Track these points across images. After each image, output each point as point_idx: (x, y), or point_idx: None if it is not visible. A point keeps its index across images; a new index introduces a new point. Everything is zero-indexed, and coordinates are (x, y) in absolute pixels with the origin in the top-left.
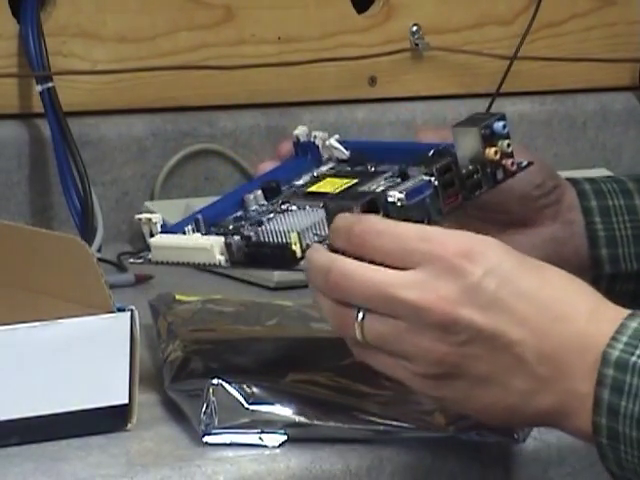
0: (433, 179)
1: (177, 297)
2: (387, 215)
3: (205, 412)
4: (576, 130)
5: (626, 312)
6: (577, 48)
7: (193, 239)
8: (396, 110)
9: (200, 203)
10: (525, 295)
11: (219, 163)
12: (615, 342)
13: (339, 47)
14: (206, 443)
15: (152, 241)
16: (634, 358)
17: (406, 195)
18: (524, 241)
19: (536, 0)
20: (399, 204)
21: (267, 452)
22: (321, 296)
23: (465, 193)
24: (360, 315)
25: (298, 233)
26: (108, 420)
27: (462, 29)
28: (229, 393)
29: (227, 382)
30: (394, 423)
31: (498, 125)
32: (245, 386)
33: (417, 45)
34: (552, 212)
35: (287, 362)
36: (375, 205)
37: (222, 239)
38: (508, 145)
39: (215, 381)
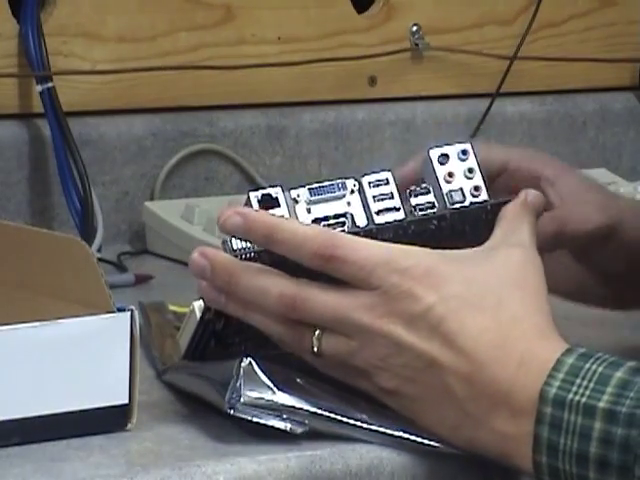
0: (354, 184)
1: (171, 307)
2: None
3: (233, 387)
4: (576, 130)
5: (564, 347)
6: (577, 48)
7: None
8: (396, 110)
9: (200, 203)
10: (467, 332)
11: (219, 163)
12: (552, 380)
13: (339, 47)
14: (231, 416)
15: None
16: (570, 395)
17: (309, 190)
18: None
19: (536, 0)
20: (301, 200)
21: (267, 452)
22: (270, 318)
23: (412, 210)
24: (317, 332)
25: None
26: (108, 420)
27: (462, 29)
28: (257, 374)
29: (257, 364)
30: (415, 435)
31: (456, 150)
32: (272, 370)
33: (417, 45)
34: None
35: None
36: (274, 200)
37: (202, 302)
38: (469, 170)
39: (247, 360)
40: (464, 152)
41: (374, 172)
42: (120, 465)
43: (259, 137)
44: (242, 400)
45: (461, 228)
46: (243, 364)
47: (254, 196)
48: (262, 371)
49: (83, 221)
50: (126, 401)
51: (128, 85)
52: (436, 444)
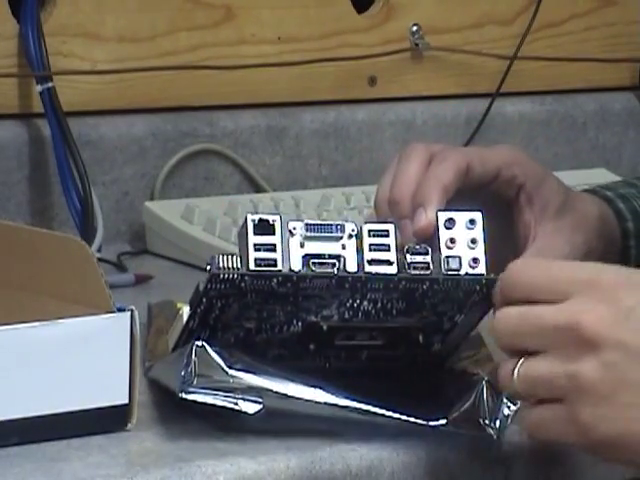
0: (353, 229)
1: (178, 305)
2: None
3: (185, 370)
4: (576, 130)
5: None
6: (577, 48)
7: None
8: (396, 110)
9: (200, 203)
10: None
11: (219, 163)
12: None
13: (339, 47)
14: (182, 399)
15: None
16: None
17: (306, 226)
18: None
19: (536, 0)
20: (296, 233)
21: (267, 452)
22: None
23: (406, 267)
24: (520, 362)
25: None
26: (108, 420)
27: (462, 29)
28: (210, 356)
29: (210, 345)
30: (376, 408)
31: (465, 217)
32: (227, 352)
33: (417, 45)
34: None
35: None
36: (270, 227)
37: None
38: (472, 241)
39: (199, 343)
40: (472, 221)
41: (378, 222)
42: (120, 465)
43: (259, 137)
44: (194, 382)
45: (455, 295)
46: (196, 348)
47: (251, 219)
48: (216, 353)
49: (83, 221)
50: (126, 401)
51: (128, 85)
52: (383, 411)
